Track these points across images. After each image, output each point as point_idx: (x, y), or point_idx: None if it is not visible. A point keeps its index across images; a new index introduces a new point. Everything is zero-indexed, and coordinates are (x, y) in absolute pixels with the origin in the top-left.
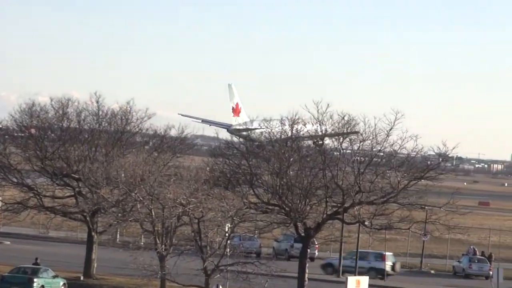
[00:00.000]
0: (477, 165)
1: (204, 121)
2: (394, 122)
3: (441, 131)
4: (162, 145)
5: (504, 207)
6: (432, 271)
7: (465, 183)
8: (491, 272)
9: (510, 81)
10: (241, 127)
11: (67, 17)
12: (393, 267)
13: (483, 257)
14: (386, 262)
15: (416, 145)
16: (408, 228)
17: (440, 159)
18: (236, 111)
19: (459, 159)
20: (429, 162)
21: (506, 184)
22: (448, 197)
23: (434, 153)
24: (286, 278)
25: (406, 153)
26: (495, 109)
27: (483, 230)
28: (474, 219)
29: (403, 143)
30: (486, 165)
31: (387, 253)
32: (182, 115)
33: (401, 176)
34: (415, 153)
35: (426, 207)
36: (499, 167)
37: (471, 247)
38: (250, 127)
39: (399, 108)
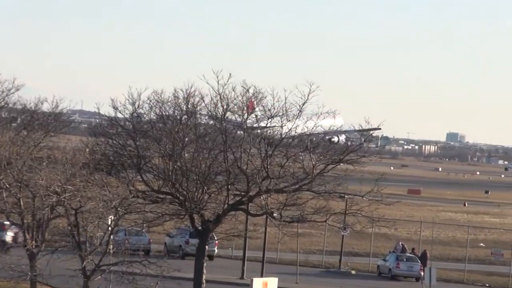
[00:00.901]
0: (406, 147)
1: None
2: (308, 96)
3: (364, 106)
4: (33, 122)
5: (437, 196)
6: (353, 271)
7: (392, 168)
8: (422, 273)
9: (441, 49)
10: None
11: None
12: None
13: (413, 255)
14: None
15: (335, 122)
16: (325, 221)
17: (363, 139)
18: (250, 107)
19: (385, 139)
20: (349, 143)
21: (440, 169)
22: (372, 184)
23: (355, 132)
24: (180, 280)
25: (322, 131)
26: (427, 81)
27: (413, 223)
28: (402, 210)
29: (318, 120)
30: (416, 146)
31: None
32: None
33: (317, 160)
34: (333, 132)
35: (346, 196)
36: (432, 148)
37: (399, 243)
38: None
39: (314, 79)
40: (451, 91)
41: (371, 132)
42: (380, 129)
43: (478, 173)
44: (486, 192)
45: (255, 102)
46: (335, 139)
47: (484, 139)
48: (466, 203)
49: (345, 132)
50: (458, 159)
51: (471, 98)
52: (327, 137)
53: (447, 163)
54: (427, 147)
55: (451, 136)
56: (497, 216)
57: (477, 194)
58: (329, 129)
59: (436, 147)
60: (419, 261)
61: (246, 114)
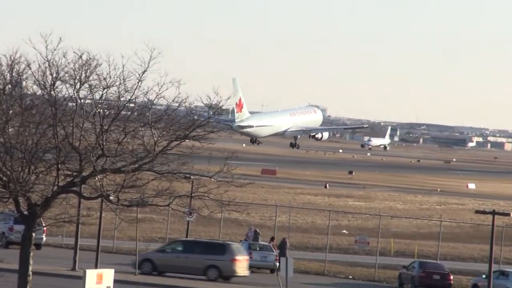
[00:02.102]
0: None
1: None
2: (149, 63)
3: (209, 74)
4: None
5: (294, 177)
6: None
7: (244, 145)
8: (278, 263)
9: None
10: (244, 124)
11: None
12: None
13: (268, 244)
14: None
15: (179, 93)
16: (168, 205)
17: (211, 113)
18: (239, 106)
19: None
20: (196, 117)
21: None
22: (221, 163)
23: (203, 105)
24: (3, 272)
25: (165, 104)
26: (284, 47)
27: (268, 207)
28: (256, 193)
29: (161, 91)
30: None
31: None
32: None
33: (159, 135)
34: (177, 104)
35: (192, 177)
36: None
37: (252, 229)
38: (253, 125)
39: (155, 43)
40: (311, 59)
41: (221, 105)
42: (367, 127)
43: (341, 150)
44: (350, 172)
45: (243, 103)
46: (319, 135)
47: (348, 112)
48: (327, 184)
49: (332, 129)
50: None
51: (333, 68)
52: (310, 134)
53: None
54: None
55: None
56: (362, 199)
57: (340, 175)
58: (173, 100)
59: None
60: (275, 250)
61: (78, 84)
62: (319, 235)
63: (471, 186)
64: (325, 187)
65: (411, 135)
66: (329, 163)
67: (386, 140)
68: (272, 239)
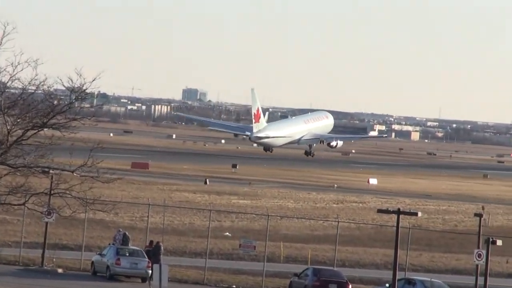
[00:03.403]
0: (130, 107)
1: (227, 127)
2: (2, 39)
3: (72, 54)
4: None
5: (170, 171)
6: (60, 270)
7: (111, 134)
8: (150, 271)
9: None
10: (261, 134)
11: None
12: None
13: (139, 249)
14: None
15: (37, 75)
16: (23, 204)
17: (73, 97)
18: (256, 116)
19: (103, 96)
20: (55, 102)
21: (174, 136)
22: (85, 155)
23: (64, 88)
24: None
25: (20, 87)
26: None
27: (139, 206)
28: (125, 190)
29: (15, 72)
30: (144, 107)
31: None
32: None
33: (13, 123)
34: (34, 88)
35: (51, 171)
36: (164, 109)
37: (120, 231)
38: (270, 135)
39: (8, 18)
40: (189, 40)
41: (84, 88)
42: (385, 136)
43: (223, 141)
44: (234, 166)
45: (261, 113)
46: (334, 143)
47: (231, 97)
48: (207, 180)
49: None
50: (198, 123)
51: (212, 48)
52: (325, 142)
53: (183, 128)
54: (158, 107)
55: (189, 93)
56: (248, 197)
57: (222, 169)
58: (29, 83)
59: (169, 107)
60: (147, 256)
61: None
62: (198, 238)
63: (373, 181)
64: (205, 183)
65: None
66: (209, 155)
67: None
68: (151, 243)
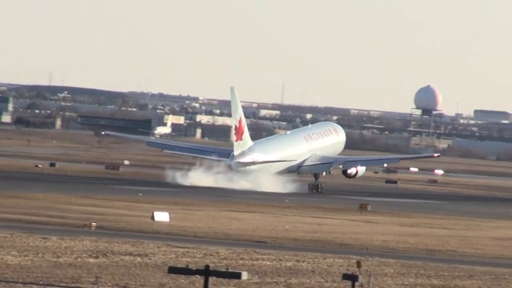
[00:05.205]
0: None
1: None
2: None
3: None
4: None
5: None
6: None
7: None
8: None
9: None
10: (244, 160)
11: None
12: None
13: None
14: None
15: None
16: None
17: None
18: (239, 131)
19: None
20: None
21: None
22: None
23: None
24: None
25: None
26: None
27: None
28: None
29: None
30: None
31: None
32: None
33: None
34: None
35: None
36: None
37: None
38: (256, 159)
39: None
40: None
41: None
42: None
43: None
44: None
45: (244, 126)
46: (352, 170)
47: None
48: None
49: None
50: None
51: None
52: (342, 169)
53: None
54: None
55: None
56: None
57: None
58: None
59: None
60: None
61: None
62: None
63: (161, 217)
64: None
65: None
66: None
67: None
68: None
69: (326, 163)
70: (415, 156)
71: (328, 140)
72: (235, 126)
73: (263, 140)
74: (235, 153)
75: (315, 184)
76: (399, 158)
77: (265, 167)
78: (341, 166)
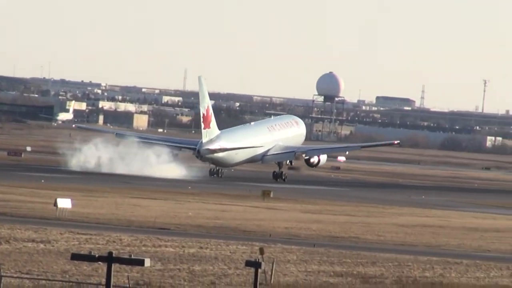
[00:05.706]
0: None
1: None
2: None
3: None
4: None
5: None
6: None
7: None
8: None
9: None
10: (213, 146)
11: None
12: None
13: None
14: None
15: None
16: None
17: None
18: (207, 120)
19: None
20: None
21: None
22: None
23: None
24: None
25: None
26: None
27: None
28: None
29: None
30: None
31: None
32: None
33: None
34: None
35: None
36: None
37: None
38: (224, 146)
39: None
40: None
41: None
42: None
43: None
44: None
45: (211, 114)
46: (315, 159)
47: None
48: None
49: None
50: None
51: None
52: (304, 158)
53: None
54: None
55: None
56: None
57: None
58: None
59: None
60: None
61: None
62: None
63: (64, 204)
64: None
65: None
66: None
67: None
68: None
69: (290, 152)
70: (376, 144)
71: (290, 132)
72: (203, 114)
73: (229, 130)
74: (204, 140)
75: (279, 172)
76: (360, 146)
77: (231, 154)
78: (304, 155)
